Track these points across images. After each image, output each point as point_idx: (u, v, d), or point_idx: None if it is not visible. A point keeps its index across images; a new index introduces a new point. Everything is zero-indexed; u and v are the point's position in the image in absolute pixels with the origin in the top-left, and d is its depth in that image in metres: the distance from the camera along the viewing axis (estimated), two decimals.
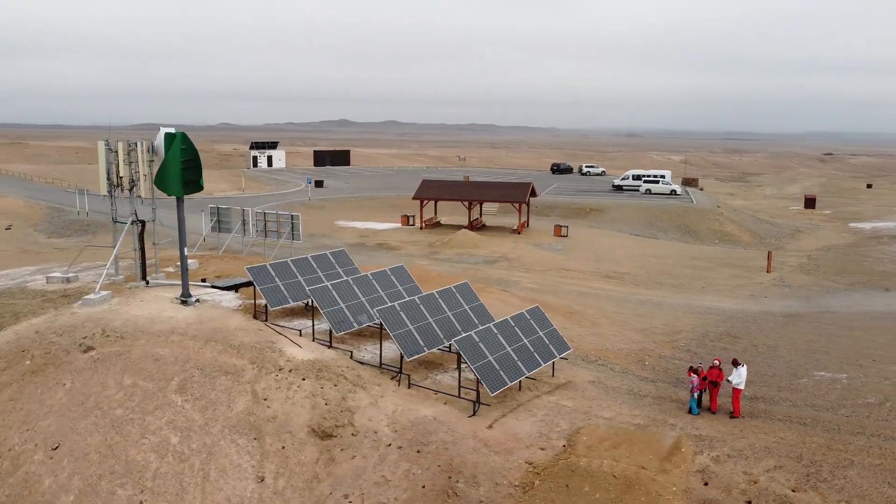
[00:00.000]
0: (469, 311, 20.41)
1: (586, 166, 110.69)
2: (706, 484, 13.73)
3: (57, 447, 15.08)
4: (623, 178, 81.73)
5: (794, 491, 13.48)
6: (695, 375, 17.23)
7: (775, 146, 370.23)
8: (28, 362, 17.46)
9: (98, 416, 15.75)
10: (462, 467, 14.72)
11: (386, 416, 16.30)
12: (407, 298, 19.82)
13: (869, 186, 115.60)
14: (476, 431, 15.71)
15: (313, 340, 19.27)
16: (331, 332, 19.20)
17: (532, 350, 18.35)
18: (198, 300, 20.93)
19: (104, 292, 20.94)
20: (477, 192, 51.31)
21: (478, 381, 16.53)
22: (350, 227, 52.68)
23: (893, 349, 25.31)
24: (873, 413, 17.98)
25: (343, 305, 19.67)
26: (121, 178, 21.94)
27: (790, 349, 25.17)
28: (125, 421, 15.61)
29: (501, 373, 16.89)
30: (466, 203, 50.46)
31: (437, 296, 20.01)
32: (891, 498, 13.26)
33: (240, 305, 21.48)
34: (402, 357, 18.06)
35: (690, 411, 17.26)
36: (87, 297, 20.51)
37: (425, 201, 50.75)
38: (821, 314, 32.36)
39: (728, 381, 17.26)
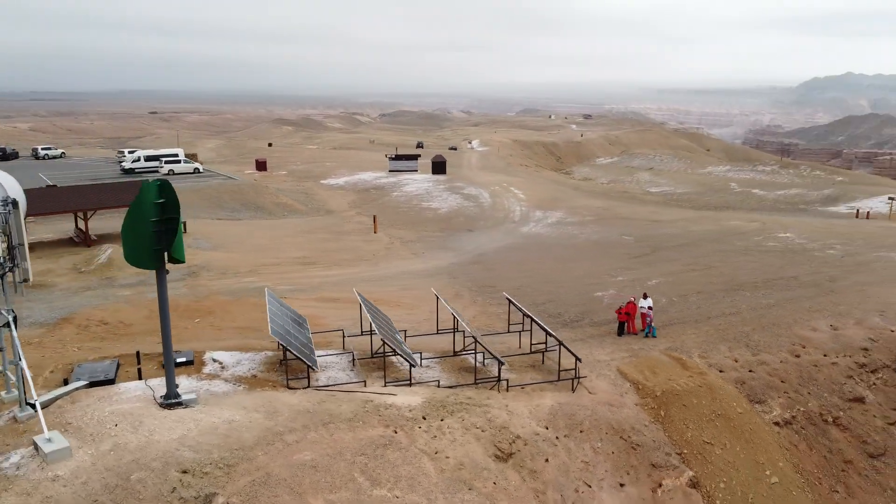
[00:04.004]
0: None
1: (42, 148, 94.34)
2: (721, 371, 20.94)
3: None
4: (134, 161, 75.03)
5: (744, 358, 22.05)
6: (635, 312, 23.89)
7: (106, 105, 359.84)
8: None
9: None
10: (619, 426, 17.88)
11: (531, 418, 17.41)
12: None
13: (270, 145, 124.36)
14: (595, 401, 18.67)
15: (385, 385, 17.38)
16: (410, 369, 17.70)
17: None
18: (194, 398, 15.36)
19: (60, 441, 13.01)
20: (94, 198, 41.99)
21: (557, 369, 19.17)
22: None
23: (556, 267, 36.84)
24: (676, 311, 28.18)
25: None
26: None
27: (529, 285, 33.66)
28: None
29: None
30: (81, 214, 41.00)
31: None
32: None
33: (237, 387, 16.56)
34: (500, 366, 18.56)
35: (620, 335, 23.90)
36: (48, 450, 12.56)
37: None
38: (481, 257, 42.27)
39: (640, 308, 24.47)
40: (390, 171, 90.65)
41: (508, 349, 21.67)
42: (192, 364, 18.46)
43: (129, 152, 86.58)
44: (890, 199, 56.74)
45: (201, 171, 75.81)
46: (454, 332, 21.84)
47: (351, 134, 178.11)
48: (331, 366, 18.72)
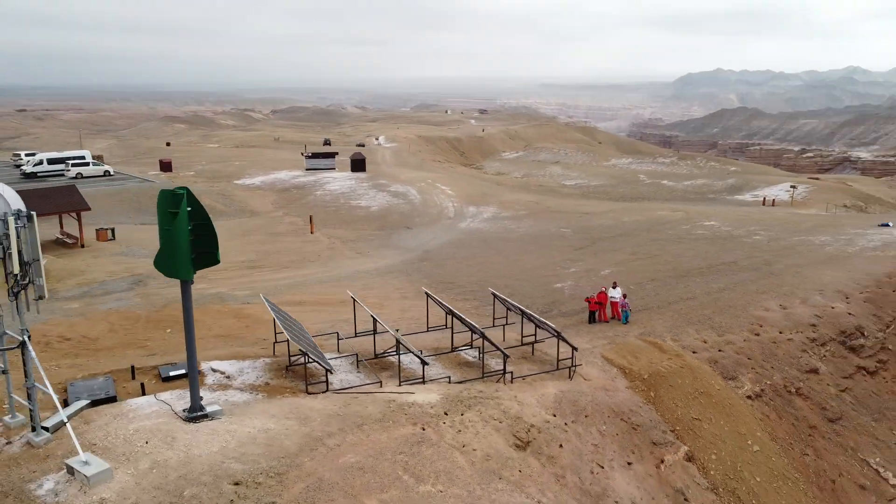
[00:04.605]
0: None
1: None
2: (694, 352, 22.49)
3: None
4: (36, 164, 69.66)
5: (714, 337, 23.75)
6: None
7: None
8: None
9: None
10: (618, 409, 18.92)
11: (539, 407, 18.10)
12: None
13: (168, 144, 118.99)
14: (593, 387, 19.61)
15: (399, 385, 17.53)
16: (424, 370, 17.90)
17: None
18: (219, 410, 14.97)
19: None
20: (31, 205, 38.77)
21: (571, 354, 20.00)
22: None
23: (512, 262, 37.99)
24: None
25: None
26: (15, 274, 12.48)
27: (487, 280, 34.51)
28: None
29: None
30: None
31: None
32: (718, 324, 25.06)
33: (256, 396, 16.20)
34: (505, 359, 19.05)
35: (591, 322, 25.10)
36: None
37: None
38: (428, 254, 42.68)
39: (612, 297, 25.73)
40: (307, 169, 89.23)
41: (499, 343, 22.28)
42: None
43: (27, 154, 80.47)
44: (792, 186, 61.94)
45: (112, 173, 71.69)
46: (446, 328, 22.24)
47: (249, 131, 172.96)
48: (337, 369, 18.66)
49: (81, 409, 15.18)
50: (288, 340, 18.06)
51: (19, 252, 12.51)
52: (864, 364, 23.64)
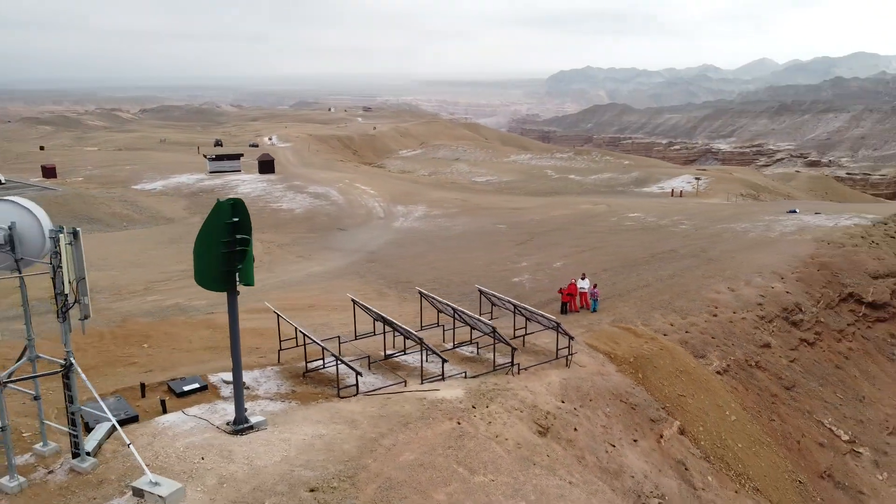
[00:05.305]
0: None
1: None
2: (665, 335, 24.31)
3: None
4: None
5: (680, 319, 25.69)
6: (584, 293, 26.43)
7: None
8: None
9: None
10: (615, 391, 20.26)
11: (549, 394, 19.07)
12: None
13: (42, 148, 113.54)
14: (589, 373, 20.81)
15: (422, 383, 17.90)
16: (444, 367, 18.32)
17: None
18: (264, 420, 14.80)
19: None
20: None
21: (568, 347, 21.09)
22: None
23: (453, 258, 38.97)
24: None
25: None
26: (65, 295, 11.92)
27: (443, 278, 35.24)
28: None
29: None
30: None
31: None
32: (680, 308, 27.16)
33: (289, 404, 16.05)
34: (513, 352, 19.78)
35: (563, 314, 26.46)
36: None
37: None
38: (373, 255, 42.75)
39: (581, 288, 27.13)
40: (211, 172, 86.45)
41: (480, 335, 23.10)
42: (207, 389, 17.45)
43: None
44: (696, 178, 66.85)
45: (3, 181, 66.19)
46: (438, 325, 22.79)
47: (126, 133, 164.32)
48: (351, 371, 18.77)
49: (112, 431, 14.55)
50: (304, 346, 18.01)
51: (69, 270, 11.98)
52: (804, 336, 26.44)
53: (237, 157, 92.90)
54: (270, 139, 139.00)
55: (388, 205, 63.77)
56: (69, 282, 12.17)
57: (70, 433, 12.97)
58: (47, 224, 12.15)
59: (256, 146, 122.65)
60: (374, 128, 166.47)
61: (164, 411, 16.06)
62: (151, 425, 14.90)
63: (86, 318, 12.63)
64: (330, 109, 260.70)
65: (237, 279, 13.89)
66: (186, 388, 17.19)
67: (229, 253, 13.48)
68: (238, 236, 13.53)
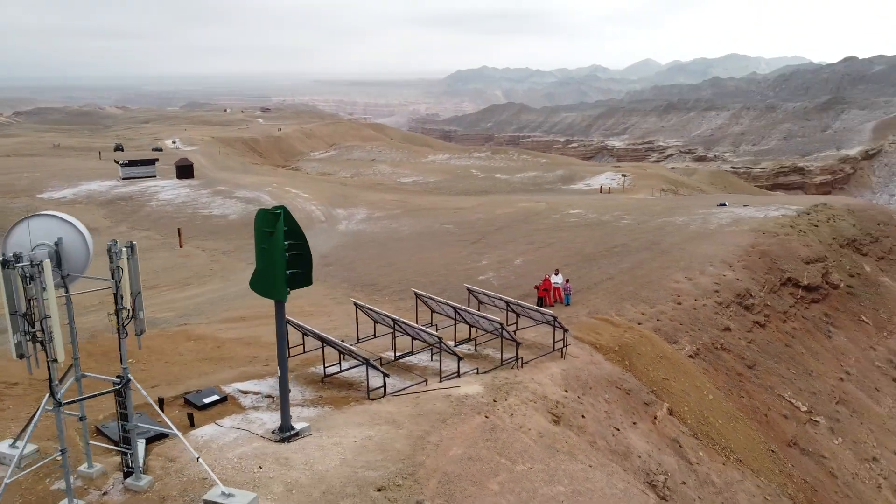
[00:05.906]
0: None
1: None
2: (639, 323, 25.86)
3: None
4: None
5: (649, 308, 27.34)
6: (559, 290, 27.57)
7: None
8: None
9: None
10: (610, 378, 21.50)
11: (554, 385, 20.02)
12: None
13: None
14: (583, 363, 21.92)
15: (441, 381, 18.36)
16: (459, 364, 18.82)
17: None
18: (307, 426, 14.88)
19: None
20: None
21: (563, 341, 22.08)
22: None
23: (410, 256, 39.50)
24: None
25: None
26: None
27: (408, 279, 35.60)
28: None
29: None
30: None
31: None
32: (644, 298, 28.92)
33: (319, 410, 16.09)
34: (517, 347, 20.51)
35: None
36: None
37: None
38: (327, 259, 42.41)
39: (555, 283, 28.29)
40: (123, 178, 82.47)
41: (477, 333, 23.81)
42: (226, 400, 17.25)
43: None
44: (623, 175, 70.26)
45: None
46: (431, 325, 23.26)
47: (6, 137, 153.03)
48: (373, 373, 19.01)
49: (146, 447, 14.27)
50: (322, 348, 18.13)
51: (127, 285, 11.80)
52: (757, 319, 28.80)
53: (152, 162, 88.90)
54: (174, 142, 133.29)
55: (326, 208, 63.18)
56: (128, 296, 11.98)
57: (122, 451, 12.74)
58: (90, 239, 11.96)
59: (160, 150, 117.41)
60: (280, 129, 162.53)
61: (192, 425, 15.81)
62: (191, 439, 14.66)
63: (142, 332, 12.45)
64: (226, 110, 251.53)
65: (287, 286, 14.02)
66: (207, 401, 16.94)
67: (289, 259, 13.69)
68: (289, 242, 13.75)
